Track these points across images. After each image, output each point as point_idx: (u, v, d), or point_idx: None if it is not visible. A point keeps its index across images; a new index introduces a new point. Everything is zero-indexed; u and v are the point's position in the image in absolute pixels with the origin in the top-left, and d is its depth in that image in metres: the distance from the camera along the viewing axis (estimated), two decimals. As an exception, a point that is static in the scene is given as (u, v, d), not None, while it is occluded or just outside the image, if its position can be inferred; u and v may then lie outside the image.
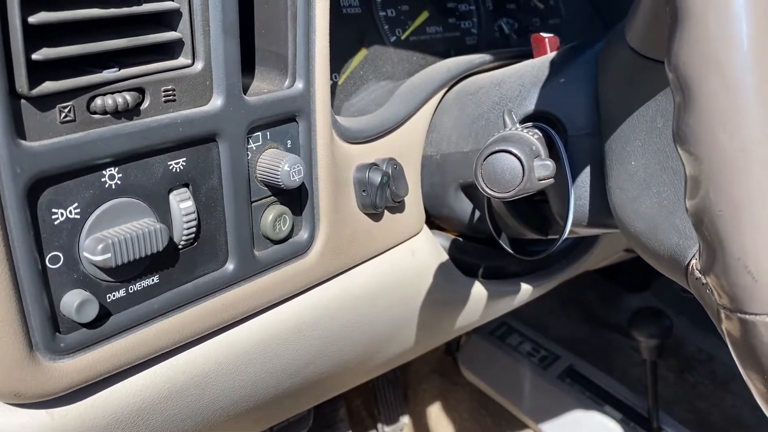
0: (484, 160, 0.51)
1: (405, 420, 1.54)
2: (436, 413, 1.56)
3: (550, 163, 0.51)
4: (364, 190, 0.65)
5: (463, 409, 1.56)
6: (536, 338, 1.59)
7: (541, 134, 0.56)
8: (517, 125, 0.55)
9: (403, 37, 0.84)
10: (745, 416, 1.46)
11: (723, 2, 0.33)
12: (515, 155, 0.50)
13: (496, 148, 0.50)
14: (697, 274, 0.52)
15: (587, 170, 0.63)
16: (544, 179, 0.51)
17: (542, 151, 0.53)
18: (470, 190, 0.74)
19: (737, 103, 0.33)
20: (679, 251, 0.52)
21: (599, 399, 1.43)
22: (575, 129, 0.62)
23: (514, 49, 0.87)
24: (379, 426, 1.51)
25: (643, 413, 1.38)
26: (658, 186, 0.54)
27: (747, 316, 0.36)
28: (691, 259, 0.52)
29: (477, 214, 0.76)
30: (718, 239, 0.36)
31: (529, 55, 0.73)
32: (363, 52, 0.80)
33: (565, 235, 0.64)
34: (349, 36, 0.78)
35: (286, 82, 0.55)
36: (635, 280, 1.69)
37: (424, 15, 0.87)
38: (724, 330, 0.40)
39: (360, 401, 1.54)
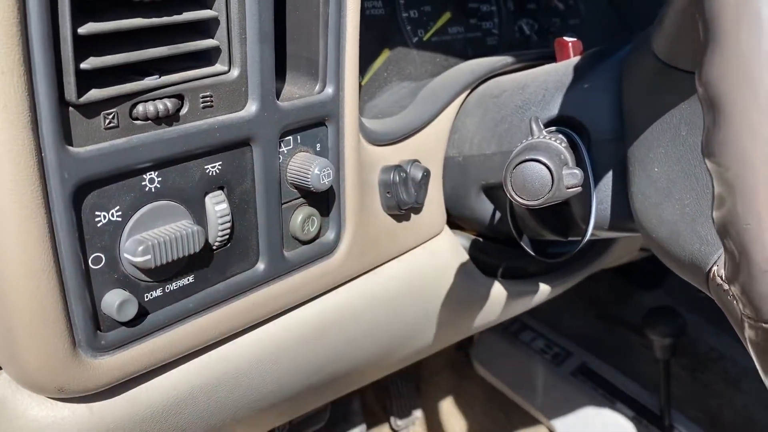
0: (514, 169, 0.52)
1: (417, 414, 1.55)
2: (448, 407, 1.57)
3: (578, 171, 0.52)
4: (388, 192, 0.66)
5: (475, 404, 1.57)
6: (549, 335, 1.59)
7: (566, 141, 0.57)
8: (544, 133, 0.56)
9: (425, 38, 0.84)
10: (757, 415, 1.46)
11: (756, 19, 0.34)
12: (544, 164, 0.51)
13: (526, 157, 0.51)
14: (719, 280, 0.53)
15: (610, 175, 0.63)
16: (572, 187, 0.52)
17: (569, 159, 0.54)
18: (492, 192, 0.75)
19: (768, 120, 0.34)
20: (701, 258, 0.53)
21: (612, 396, 1.44)
22: (598, 134, 0.63)
23: (535, 50, 0.88)
24: (392, 419, 1.52)
25: (656, 411, 1.39)
26: (680, 193, 0.55)
27: (771, 326, 0.37)
28: (712, 266, 0.53)
29: (498, 215, 0.77)
30: (744, 251, 0.37)
31: (551, 57, 0.74)
32: (386, 54, 0.80)
33: (587, 238, 0.65)
34: (372, 37, 0.79)
35: (317, 87, 0.57)
36: (649, 278, 1.69)
37: (447, 16, 0.88)
38: (747, 338, 0.41)
39: (373, 395, 1.55)
